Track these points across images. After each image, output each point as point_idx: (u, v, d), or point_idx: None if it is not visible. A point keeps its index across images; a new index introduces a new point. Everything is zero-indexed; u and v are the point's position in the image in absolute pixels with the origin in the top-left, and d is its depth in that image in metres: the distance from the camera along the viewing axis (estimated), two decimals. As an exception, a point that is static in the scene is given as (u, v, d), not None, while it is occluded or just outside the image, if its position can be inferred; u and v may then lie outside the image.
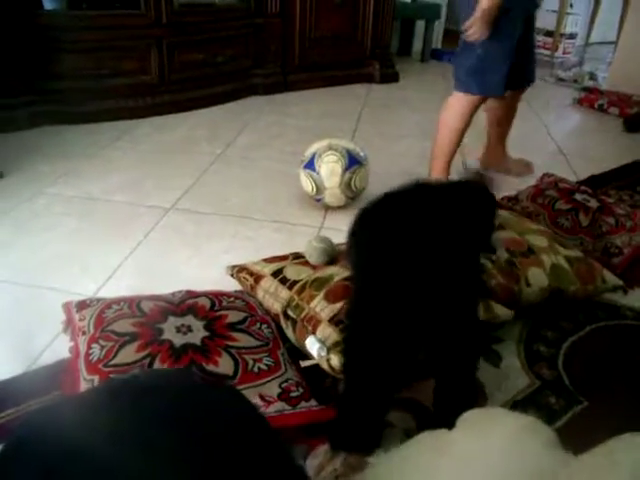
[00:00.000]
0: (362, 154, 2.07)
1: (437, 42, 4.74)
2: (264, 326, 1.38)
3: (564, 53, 4.75)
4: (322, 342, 1.27)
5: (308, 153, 2.06)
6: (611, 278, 1.68)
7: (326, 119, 2.79)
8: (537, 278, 1.56)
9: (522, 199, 2.09)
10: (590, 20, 4.96)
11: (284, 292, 1.45)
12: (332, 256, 1.55)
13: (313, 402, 1.20)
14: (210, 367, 1.21)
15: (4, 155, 2.40)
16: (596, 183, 2.45)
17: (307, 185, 2.06)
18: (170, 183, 2.27)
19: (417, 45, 4.63)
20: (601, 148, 2.99)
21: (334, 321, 1.31)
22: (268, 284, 1.49)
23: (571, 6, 4.73)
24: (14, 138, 2.62)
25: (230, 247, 1.86)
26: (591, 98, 3.57)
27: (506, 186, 2.25)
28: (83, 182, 2.24)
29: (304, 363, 1.25)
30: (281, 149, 2.66)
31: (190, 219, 2.02)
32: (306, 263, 1.54)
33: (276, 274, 1.50)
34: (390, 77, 3.82)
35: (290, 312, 1.41)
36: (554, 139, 3.06)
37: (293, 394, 1.20)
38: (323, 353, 1.24)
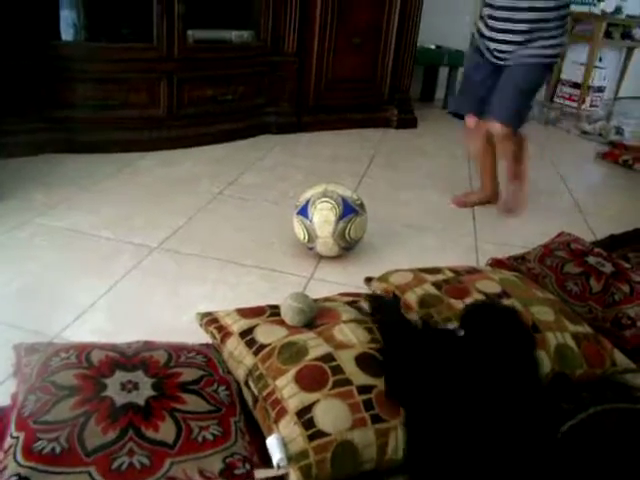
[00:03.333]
0: (359, 202, 1.96)
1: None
2: (221, 388, 1.24)
3: (591, 106, 4.62)
4: (285, 447, 1.09)
5: (302, 199, 1.95)
6: (622, 360, 1.51)
7: (336, 162, 2.70)
8: (540, 363, 1.40)
9: (530, 259, 1.93)
10: (620, 74, 4.84)
11: (248, 358, 1.30)
12: (309, 318, 1.40)
13: (268, 469, 1.05)
14: (149, 432, 1.08)
15: (1, 180, 2.35)
16: (615, 244, 2.28)
17: (299, 232, 1.94)
18: (161, 221, 2.18)
19: (440, 92, 4.55)
20: (623, 206, 2.83)
21: (303, 420, 1.13)
22: (234, 345, 1.35)
23: (600, 60, 4.62)
24: (16, 164, 2.57)
25: (210, 293, 1.74)
26: (616, 153, 3.42)
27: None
28: (74, 213, 2.17)
29: (258, 474, 1.06)
30: (283, 191, 2.56)
31: (174, 259, 1.92)
32: (282, 322, 1.40)
33: (245, 334, 1.36)
34: (408, 123, 3.74)
35: (251, 384, 1.26)
36: (572, 194, 2.91)
37: (237, 471, 1.06)
38: (283, 464, 1.07)
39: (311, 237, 1.91)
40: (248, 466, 1.08)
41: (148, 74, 2.83)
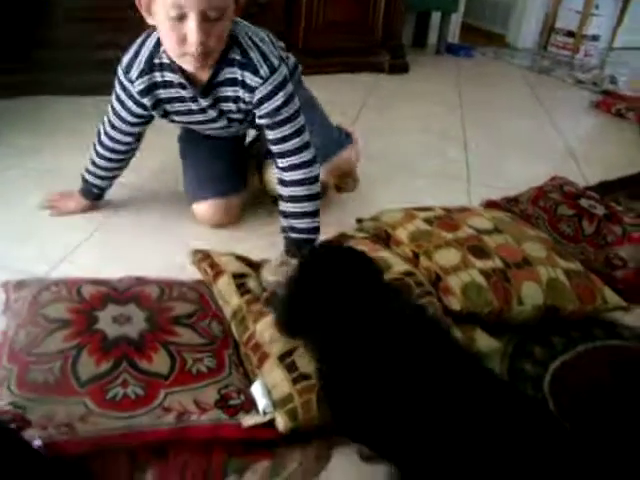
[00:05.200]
0: None
1: (454, 36, 4.55)
2: (214, 323, 1.24)
3: (585, 55, 4.54)
4: (269, 393, 1.08)
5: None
6: (613, 298, 1.51)
7: (326, 106, 2.63)
8: (531, 294, 1.41)
9: (522, 201, 1.93)
10: (616, 23, 4.76)
11: (235, 298, 1.29)
12: None
13: (255, 415, 1.05)
14: (143, 364, 1.08)
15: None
16: (606, 190, 2.27)
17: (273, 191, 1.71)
18: (148, 162, 2.13)
19: (432, 38, 4.45)
20: (615, 154, 2.81)
21: (285, 363, 1.12)
22: (224, 284, 1.33)
23: (597, 7, 4.52)
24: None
25: (206, 234, 1.72)
26: (609, 102, 3.39)
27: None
28: (60, 157, 2.11)
29: (246, 422, 1.03)
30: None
31: (169, 198, 1.87)
32: None
33: (237, 277, 1.34)
34: (400, 68, 3.65)
35: (233, 326, 1.25)
36: (565, 142, 2.88)
37: (232, 402, 1.06)
38: (269, 410, 1.06)
39: None
40: (243, 397, 1.08)
41: (136, 13, 2.71)
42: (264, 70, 1.36)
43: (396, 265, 1.40)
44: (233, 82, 1.40)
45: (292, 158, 1.43)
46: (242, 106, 1.45)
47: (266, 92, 1.37)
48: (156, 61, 1.41)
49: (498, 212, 1.75)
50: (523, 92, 3.75)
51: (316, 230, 1.49)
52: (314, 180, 1.45)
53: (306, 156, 1.44)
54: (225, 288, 1.32)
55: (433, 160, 2.42)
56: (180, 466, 0.98)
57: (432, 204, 1.75)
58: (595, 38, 4.61)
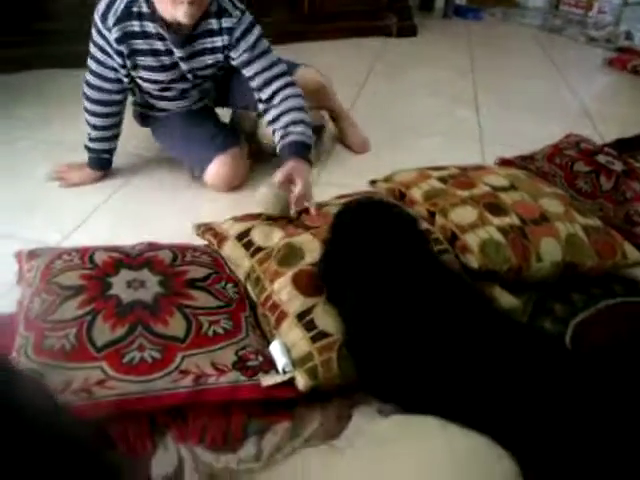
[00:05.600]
0: None
1: (461, -2, 4.45)
2: (229, 285, 1.22)
3: (599, 12, 4.41)
4: (288, 352, 1.07)
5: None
6: (633, 253, 1.48)
7: (334, 72, 2.56)
8: (550, 250, 1.38)
9: (538, 158, 1.88)
10: (630, -22, 4.60)
11: (246, 260, 1.27)
12: (284, 204, 1.40)
13: (274, 375, 1.04)
14: (158, 327, 1.07)
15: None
16: (623, 147, 2.21)
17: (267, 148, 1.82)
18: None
19: (439, 1, 4.34)
20: (631, 112, 2.74)
21: (304, 322, 1.11)
22: (231, 248, 1.31)
23: (610, -38, 4.38)
24: (3, 80, 2.46)
25: (214, 199, 1.69)
26: (624, 59, 3.30)
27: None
28: (69, 129, 2.07)
29: (266, 381, 1.02)
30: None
31: (175, 168, 1.85)
32: (277, 224, 1.36)
33: (241, 236, 1.32)
34: (408, 31, 3.57)
35: (250, 287, 1.23)
36: (580, 101, 2.82)
37: (250, 363, 1.05)
38: (288, 369, 1.04)
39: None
40: (261, 358, 1.07)
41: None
42: (236, 13, 1.52)
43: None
44: (211, 33, 1.53)
45: (277, 82, 1.57)
46: (219, 56, 1.57)
47: (241, 30, 1.53)
48: (134, 9, 1.47)
49: (514, 170, 1.71)
50: (534, 53, 3.66)
51: (310, 138, 1.57)
52: (300, 95, 1.60)
53: (287, 78, 1.59)
54: (233, 252, 1.31)
55: (444, 122, 2.37)
56: (200, 428, 0.98)
57: (445, 164, 1.72)
58: (609, -6, 4.47)
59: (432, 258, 1.20)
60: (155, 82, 1.62)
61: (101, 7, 1.48)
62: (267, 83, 1.57)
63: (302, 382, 1.03)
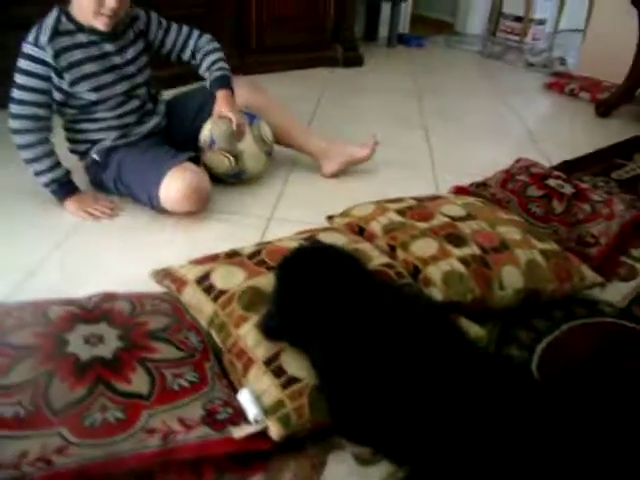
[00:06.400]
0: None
1: (404, 27, 4.56)
2: (192, 333, 1.18)
3: (533, 39, 4.60)
4: (258, 400, 1.03)
5: (205, 136, 1.82)
6: (590, 275, 1.52)
7: (284, 103, 2.59)
8: (512, 278, 1.40)
9: (491, 184, 1.92)
10: (559, 7, 4.83)
11: (208, 305, 1.22)
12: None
13: (245, 426, 1.00)
14: (121, 385, 1.01)
15: None
16: (569, 169, 2.29)
17: (222, 163, 1.82)
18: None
19: (383, 30, 4.44)
20: (573, 133, 2.86)
21: (272, 368, 1.07)
22: (191, 294, 1.26)
23: (541, -9, 4.59)
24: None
25: (169, 240, 1.64)
26: (561, 83, 3.43)
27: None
28: (10, 169, 1.99)
29: (237, 433, 0.98)
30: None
31: (132, 204, 1.79)
32: (240, 263, 1.31)
33: (201, 280, 1.27)
34: (354, 61, 3.63)
35: (214, 333, 1.19)
36: (524, 124, 2.91)
37: (219, 416, 1.01)
38: (259, 418, 1.00)
39: (237, 156, 1.82)
40: (230, 410, 1.02)
41: None
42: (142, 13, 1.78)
43: (376, 258, 1.37)
44: (134, 19, 1.74)
45: (202, 40, 1.85)
46: (142, 40, 1.77)
47: (147, 18, 1.78)
48: (61, 28, 1.60)
49: (469, 198, 1.73)
50: (477, 78, 3.79)
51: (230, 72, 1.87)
52: (213, 41, 1.89)
53: (200, 32, 1.87)
54: (193, 297, 1.26)
55: (395, 150, 2.38)
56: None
57: (399, 195, 1.73)
58: (542, 22, 4.67)
59: (392, 291, 1.19)
60: (97, 89, 1.67)
61: (30, 37, 1.59)
62: (198, 46, 1.84)
63: (275, 431, 1.00)
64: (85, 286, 1.33)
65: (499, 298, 1.38)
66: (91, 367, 1.02)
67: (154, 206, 1.67)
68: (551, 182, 1.88)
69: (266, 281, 1.23)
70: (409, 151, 2.42)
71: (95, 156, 1.73)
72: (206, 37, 1.87)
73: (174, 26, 1.83)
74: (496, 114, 3.03)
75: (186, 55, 1.85)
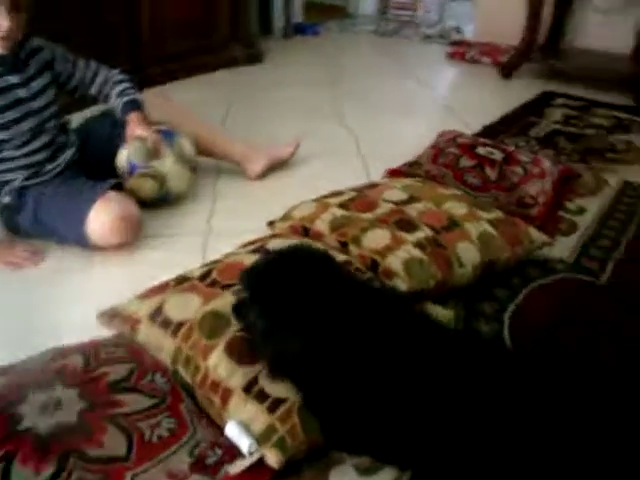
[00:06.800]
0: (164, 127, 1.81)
1: (298, 16, 4.51)
2: (157, 376, 1.08)
3: (425, 12, 4.68)
4: (247, 430, 0.96)
5: (122, 162, 1.70)
6: (537, 236, 1.54)
7: (193, 110, 2.49)
8: (468, 254, 1.39)
9: (423, 162, 1.91)
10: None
11: (167, 342, 1.13)
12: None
13: (240, 461, 0.93)
14: (93, 451, 0.91)
15: None
16: (490, 134, 2.34)
17: (146, 188, 1.71)
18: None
19: (278, 22, 4.37)
20: (484, 98, 2.92)
21: (254, 393, 1.00)
22: (146, 332, 1.16)
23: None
24: None
25: (101, 280, 1.52)
26: (462, 51, 3.51)
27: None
28: None
29: (234, 470, 0.91)
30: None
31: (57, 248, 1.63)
32: (192, 288, 1.21)
33: (155, 315, 1.17)
34: (255, 58, 3.54)
35: (181, 370, 1.09)
36: (437, 96, 2.95)
37: (210, 460, 0.93)
38: (254, 449, 0.93)
39: (161, 179, 1.72)
40: (219, 450, 0.95)
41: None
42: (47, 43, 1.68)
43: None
44: (36, 51, 1.62)
45: (111, 72, 1.77)
46: (49, 73, 1.65)
47: (52, 49, 1.67)
48: None
49: (406, 179, 1.72)
50: (379, 57, 3.80)
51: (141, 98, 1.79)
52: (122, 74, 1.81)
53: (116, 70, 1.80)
54: (150, 335, 1.15)
55: (317, 142, 2.33)
56: None
57: (332, 187, 1.68)
58: (430, -6, 4.77)
59: (367, 289, 1.15)
60: (2, 128, 1.53)
61: None
62: (95, 74, 1.75)
63: (273, 458, 0.93)
64: (24, 347, 1.19)
65: (459, 276, 1.37)
66: (55, 438, 0.91)
67: (83, 244, 1.54)
68: (480, 150, 1.90)
69: (223, 302, 1.15)
70: (331, 140, 2.38)
71: (6, 199, 1.57)
72: (115, 71, 1.78)
73: (81, 60, 1.73)
74: (407, 90, 3.05)
75: (94, 89, 1.75)
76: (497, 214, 1.55)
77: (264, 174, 2.00)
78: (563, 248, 1.64)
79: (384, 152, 2.20)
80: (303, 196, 1.66)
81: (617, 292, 1.48)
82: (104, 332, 1.23)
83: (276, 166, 2.03)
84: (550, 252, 1.60)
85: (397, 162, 1.99)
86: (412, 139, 2.21)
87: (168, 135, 1.76)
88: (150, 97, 1.97)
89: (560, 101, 2.77)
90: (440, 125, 2.29)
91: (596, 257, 1.62)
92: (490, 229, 1.47)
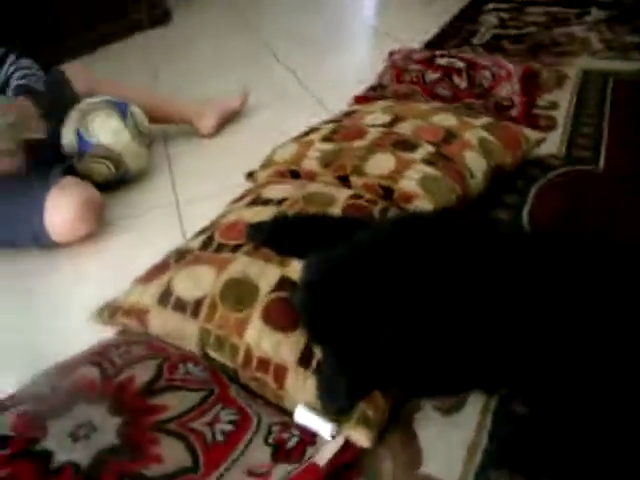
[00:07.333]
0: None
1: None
2: (190, 366, 0.91)
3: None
4: (316, 410, 0.82)
5: (68, 139, 1.49)
6: (532, 134, 1.47)
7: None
8: (475, 163, 1.29)
9: (387, 84, 1.77)
10: None
11: (189, 326, 0.96)
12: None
13: (325, 446, 0.79)
14: (153, 469, 0.74)
15: None
16: (435, 47, 2.23)
17: (100, 172, 1.50)
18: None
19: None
20: (413, 17, 2.79)
21: (314, 367, 0.86)
22: (160, 321, 0.98)
23: None
24: None
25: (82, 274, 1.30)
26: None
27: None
28: None
29: (322, 460, 0.77)
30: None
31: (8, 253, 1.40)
32: (198, 260, 1.03)
33: (164, 298, 0.99)
34: (161, 18, 3.23)
35: (213, 354, 0.93)
36: (365, 19, 2.81)
37: (290, 444, 0.79)
38: (334, 432, 0.80)
39: (116, 160, 1.51)
40: (296, 431, 0.81)
41: None
42: None
43: (337, 194, 1.17)
44: None
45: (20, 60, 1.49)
46: None
47: None
48: None
49: (379, 102, 1.58)
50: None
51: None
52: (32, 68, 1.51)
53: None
54: (166, 323, 0.98)
55: (263, 88, 2.14)
56: None
57: (299, 128, 1.52)
58: None
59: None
60: None
61: None
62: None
63: (364, 437, 0.80)
64: (6, 373, 0.99)
65: (473, 188, 1.27)
66: (101, 468, 0.74)
67: (41, 243, 1.32)
68: (441, 61, 1.79)
69: (241, 267, 0.99)
70: (275, 85, 2.19)
71: None
72: (26, 59, 1.51)
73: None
74: (334, 20, 2.89)
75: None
76: (486, 119, 1.45)
77: (217, 130, 1.81)
78: (550, 144, 1.57)
79: (333, 85, 2.05)
80: (265, 147, 1.48)
81: (618, 178, 1.43)
82: (106, 334, 1.04)
83: (228, 119, 1.85)
84: (539, 151, 1.53)
85: (351, 91, 1.85)
86: (356, 65, 2.07)
87: (121, 106, 1.53)
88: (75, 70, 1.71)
89: (491, 6, 2.69)
90: (379, 48, 2.17)
91: (586, 146, 1.57)
92: (487, 135, 1.37)
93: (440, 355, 0.79)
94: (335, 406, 0.81)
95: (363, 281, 0.79)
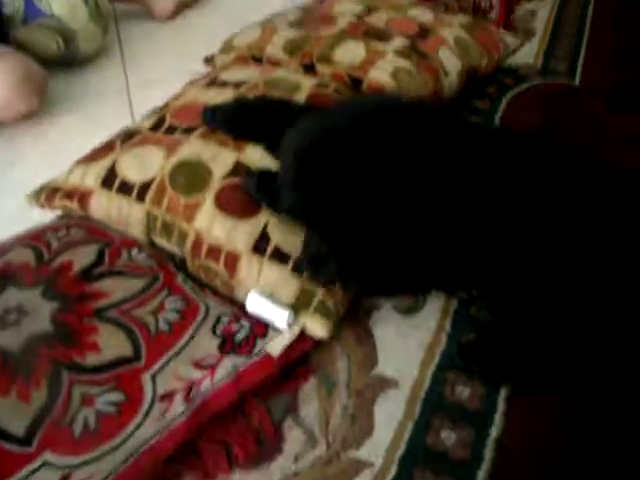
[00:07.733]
0: None
1: None
2: (134, 251, 0.85)
3: None
4: (274, 298, 0.77)
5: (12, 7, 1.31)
6: (510, 40, 1.39)
7: None
8: (450, 61, 1.21)
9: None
10: None
11: (134, 210, 0.88)
12: None
13: (279, 337, 0.75)
14: (89, 359, 0.69)
15: None
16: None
17: (46, 46, 1.35)
18: None
19: None
20: None
21: (269, 253, 0.80)
22: (103, 204, 0.90)
23: None
24: None
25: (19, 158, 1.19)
26: None
27: None
28: None
29: (275, 350, 0.73)
30: None
31: None
32: (146, 140, 0.94)
33: (108, 180, 0.90)
34: None
35: (160, 240, 0.87)
36: None
37: (240, 336, 0.74)
38: (291, 320, 0.76)
39: (68, 36, 1.36)
40: (246, 322, 0.76)
41: None
42: None
43: (302, 81, 1.07)
44: None
45: None
46: None
47: None
48: None
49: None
50: None
51: None
52: None
53: None
54: (109, 207, 0.90)
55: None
56: (220, 449, 0.68)
57: (253, 18, 1.38)
58: None
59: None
60: None
61: None
62: None
63: (320, 328, 0.77)
64: None
65: (447, 86, 1.20)
66: (33, 354, 0.68)
67: None
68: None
69: (193, 149, 0.91)
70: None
71: None
72: None
73: None
74: None
75: None
76: (466, 18, 1.36)
77: (174, 15, 1.66)
78: (527, 53, 1.50)
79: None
80: (226, 31, 1.36)
81: (594, 94, 1.38)
82: (44, 219, 0.95)
83: (188, 3, 1.69)
84: (514, 59, 1.45)
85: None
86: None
87: None
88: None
89: None
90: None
91: (562, 57, 1.51)
92: (464, 34, 1.28)
93: (408, 244, 0.74)
94: (323, 277, 0.77)
95: (366, 154, 0.72)
